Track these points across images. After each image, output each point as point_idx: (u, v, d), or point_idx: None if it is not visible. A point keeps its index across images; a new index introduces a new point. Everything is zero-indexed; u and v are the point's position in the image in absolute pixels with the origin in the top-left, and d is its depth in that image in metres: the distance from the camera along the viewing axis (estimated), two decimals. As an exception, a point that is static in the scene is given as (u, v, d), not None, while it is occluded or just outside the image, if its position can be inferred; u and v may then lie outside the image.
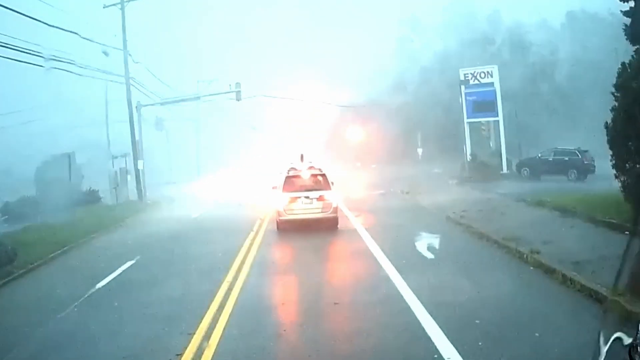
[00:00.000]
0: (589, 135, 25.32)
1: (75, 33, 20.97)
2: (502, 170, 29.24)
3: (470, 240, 12.69)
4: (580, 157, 25.28)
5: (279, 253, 13.22)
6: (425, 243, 12.13)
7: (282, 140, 42.61)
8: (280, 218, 15.20)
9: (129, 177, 29.08)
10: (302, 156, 16.53)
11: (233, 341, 6.62)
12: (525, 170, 27.57)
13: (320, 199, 15.08)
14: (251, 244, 13.46)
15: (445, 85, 33.45)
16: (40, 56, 18.88)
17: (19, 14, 16.75)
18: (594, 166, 24.48)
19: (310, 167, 16.07)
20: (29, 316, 8.32)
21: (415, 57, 40.07)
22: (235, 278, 9.85)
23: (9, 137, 28.29)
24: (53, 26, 19.07)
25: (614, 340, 2.27)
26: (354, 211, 18.48)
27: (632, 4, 12.99)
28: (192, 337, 6.71)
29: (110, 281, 10.48)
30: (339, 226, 15.29)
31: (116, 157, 29.61)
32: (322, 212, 15.02)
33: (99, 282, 10.30)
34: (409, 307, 7.45)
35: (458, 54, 36.27)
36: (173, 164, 42.24)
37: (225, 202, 25.36)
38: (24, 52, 17.84)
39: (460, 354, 5.69)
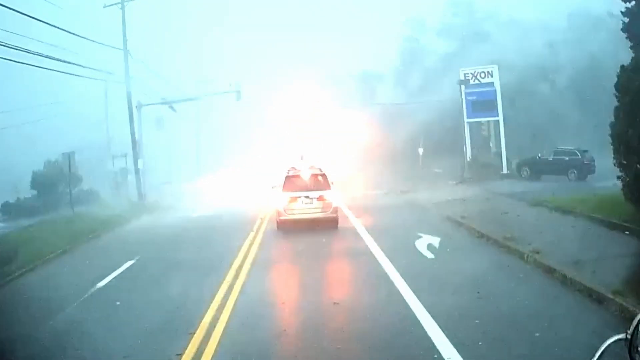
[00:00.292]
0: (589, 135, 25.42)
1: (75, 34, 20.95)
2: (502, 170, 29.21)
3: (470, 240, 12.70)
4: (580, 157, 25.22)
5: (279, 253, 13.20)
6: (425, 243, 12.12)
7: (282, 140, 42.56)
8: (280, 218, 15.20)
9: (129, 176, 29.06)
10: (302, 156, 16.54)
11: (233, 341, 6.62)
12: (525, 170, 27.50)
13: (320, 198, 15.08)
14: (251, 244, 13.46)
15: (445, 85, 33.39)
16: (41, 56, 18.84)
17: (19, 14, 16.73)
18: (594, 166, 24.44)
19: (311, 167, 16.08)
20: (29, 316, 8.32)
21: (416, 57, 40.03)
22: (235, 278, 9.85)
23: (9, 137, 28.27)
24: (53, 26, 19.04)
25: (613, 340, 2.28)
26: (354, 211, 18.48)
27: (630, 4, 13.02)
28: (192, 337, 6.71)
29: (110, 281, 10.49)
30: (339, 226, 15.29)
31: (116, 157, 29.59)
32: (322, 212, 15.02)
33: (99, 281, 10.32)
34: (409, 307, 7.45)
35: (458, 54, 36.22)
36: (173, 163, 42.24)
37: (226, 202, 25.33)
38: (24, 52, 17.84)
39: (460, 354, 5.69)
